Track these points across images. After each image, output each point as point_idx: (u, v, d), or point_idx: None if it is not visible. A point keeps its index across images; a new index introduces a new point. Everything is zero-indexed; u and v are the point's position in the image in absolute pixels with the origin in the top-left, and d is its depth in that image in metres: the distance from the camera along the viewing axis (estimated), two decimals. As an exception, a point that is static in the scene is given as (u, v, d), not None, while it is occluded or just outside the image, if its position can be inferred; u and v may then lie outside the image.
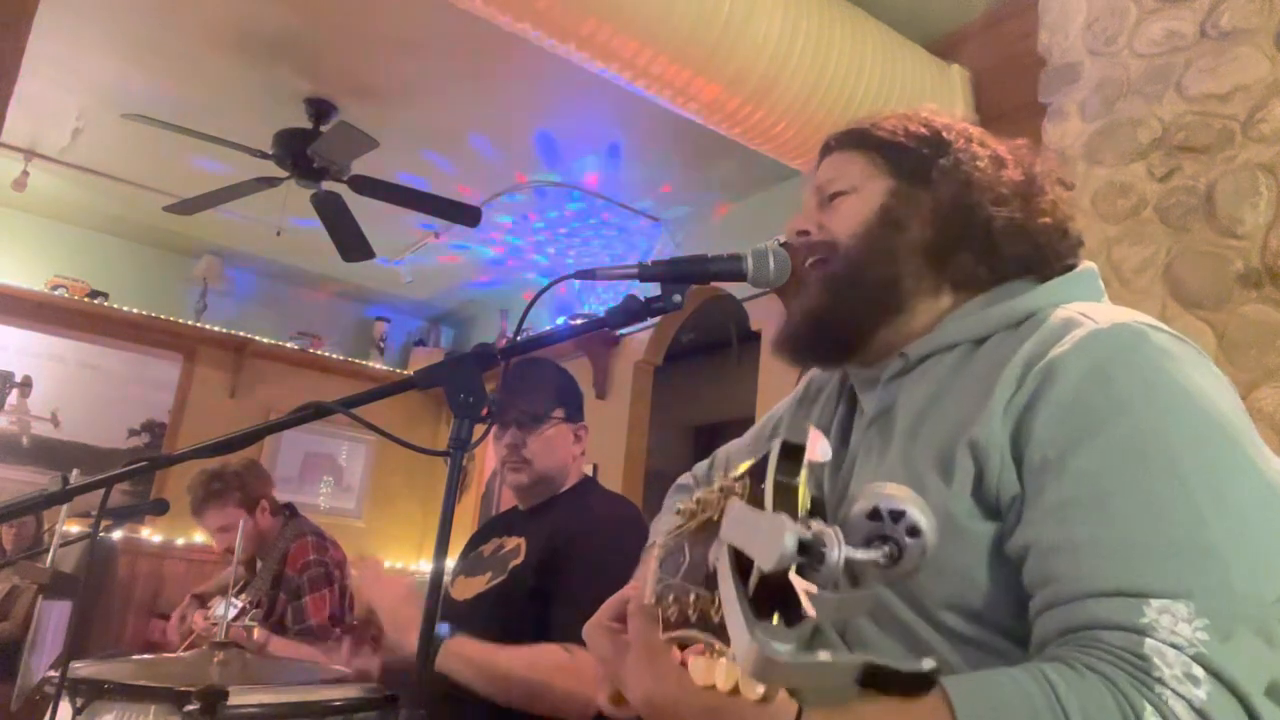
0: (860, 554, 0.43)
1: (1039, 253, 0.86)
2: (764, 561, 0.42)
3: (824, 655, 0.41)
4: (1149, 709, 0.59)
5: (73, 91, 3.55)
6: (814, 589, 0.42)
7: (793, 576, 0.42)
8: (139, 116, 3.18)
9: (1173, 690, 0.59)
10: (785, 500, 0.48)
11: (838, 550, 0.42)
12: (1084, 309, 0.78)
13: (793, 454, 0.50)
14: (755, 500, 0.50)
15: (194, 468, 2.68)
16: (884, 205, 0.88)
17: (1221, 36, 2.11)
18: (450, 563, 1.78)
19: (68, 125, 3.82)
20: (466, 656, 1.43)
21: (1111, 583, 0.64)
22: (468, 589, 1.66)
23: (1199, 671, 0.59)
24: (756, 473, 0.51)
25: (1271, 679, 0.63)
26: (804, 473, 0.49)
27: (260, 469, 2.76)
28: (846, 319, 0.87)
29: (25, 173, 4.11)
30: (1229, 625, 0.61)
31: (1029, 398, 0.73)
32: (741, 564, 0.46)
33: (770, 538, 0.42)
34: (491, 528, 1.84)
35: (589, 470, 1.86)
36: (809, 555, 0.41)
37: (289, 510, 2.75)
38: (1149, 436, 0.68)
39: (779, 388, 1.07)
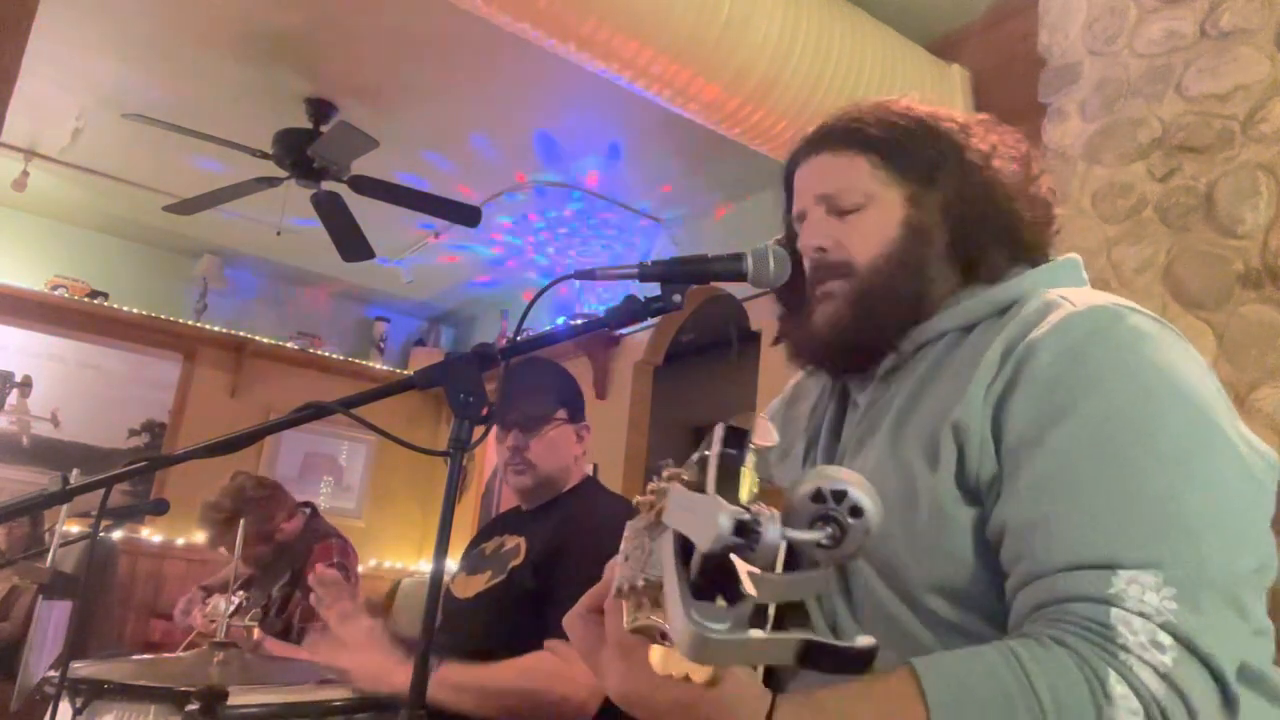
0: (800, 534, 0.43)
1: (1039, 243, 0.87)
2: (701, 543, 0.42)
3: (757, 633, 0.41)
4: (1113, 676, 0.59)
5: (73, 91, 3.55)
6: (755, 570, 0.42)
7: (734, 558, 0.42)
8: (139, 116, 3.18)
9: (1138, 657, 0.60)
10: (727, 483, 0.48)
11: (774, 530, 0.42)
12: (1064, 292, 0.79)
13: (736, 439, 0.50)
14: (698, 485, 0.50)
15: (195, 468, 2.66)
16: (906, 218, 0.87)
17: (1221, 36, 2.11)
18: (452, 564, 1.78)
19: (68, 125, 3.82)
20: (455, 683, 1.42)
21: (1082, 556, 0.65)
22: (468, 587, 1.66)
23: (1164, 638, 0.60)
24: (701, 459, 0.52)
25: (1243, 660, 0.63)
26: (750, 457, 0.49)
27: (274, 500, 2.63)
28: (877, 333, 0.87)
29: (25, 173, 4.11)
30: (1197, 594, 0.62)
31: (1008, 380, 0.74)
32: (685, 548, 0.47)
33: (706, 519, 0.42)
34: (494, 526, 1.85)
35: (589, 470, 1.86)
36: (747, 536, 0.41)
37: (309, 508, 2.75)
38: (1122, 414, 0.69)
39: (779, 388, 1.07)
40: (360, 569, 5.05)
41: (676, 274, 0.91)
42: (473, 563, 1.73)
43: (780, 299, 0.98)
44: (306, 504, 2.76)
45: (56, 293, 4.67)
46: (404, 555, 5.61)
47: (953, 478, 0.74)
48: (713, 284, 1.12)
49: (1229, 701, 0.61)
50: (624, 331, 4.42)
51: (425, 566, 5.53)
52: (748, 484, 0.48)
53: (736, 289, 3.67)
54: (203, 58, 3.25)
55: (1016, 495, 0.70)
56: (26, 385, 4.63)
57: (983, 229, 0.86)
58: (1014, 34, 2.66)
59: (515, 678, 1.43)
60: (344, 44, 3.12)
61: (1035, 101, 2.49)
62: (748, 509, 0.42)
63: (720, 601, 0.44)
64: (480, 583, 1.64)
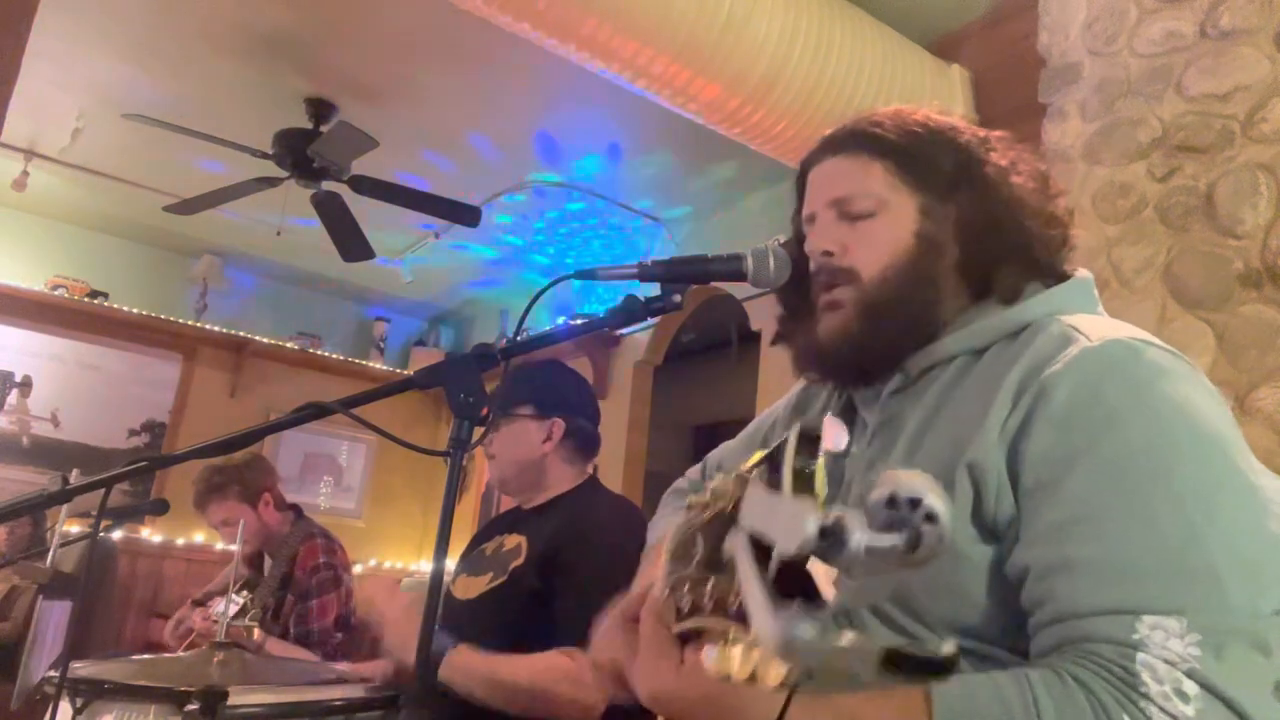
0: (880, 540, 0.43)
1: (1052, 262, 0.86)
2: (785, 546, 0.42)
3: (848, 638, 0.42)
4: None
5: (73, 91, 3.55)
6: (834, 574, 0.42)
7: (812, 562, 0.42)
8: (139, 116, 3.18)
9: (1159, 706, 0.59)
10: (803, 486, 0.48)
11: (860, 535, 0.42)
12: (1079, 323, 0.78)
13: (810, 442, 0.51)
14: (773, 487, 0.50)
15: (194, 468, 2.68)
16: (919, 229, 0.85)
17: (1221, 36, 2.11)
18: (452, 563, 1.78)
19: (68, 125, 3.82)
20: (468, 668, 1.43)
21: (1106, 601, 0.64)
22: (469, 588, 1.66)
23: (1190, 688, 0.59)
24: (774, 460, 0.52)
25: (1276, 679, 0.63)
26: (821, 460, 0.49)
27: (263, 462, 2.76)
28: (885, 346, 0.85)
29: (25, 173, 4.11)
30: (1222, 640, 0.61)
31: (1023, 419, 0.73)
32: (760, 549, 0.47)
33: (792, 522, 0.42)
34: (495, 525, 1.85)
35: (589, 470, 1.86)
36: (829, 540, 0.42)
37: (296, 510, 2.75)
38: (1141, 454, 0.68)
39: (778, 388, 1.07)
40: (357, 568, 5.06)
41: (676, 274, 0.91)
42: (473, 564, 1.73)
43: (782, 301, 0.97)
44: (293, 506, 2.76)
45: (56, 293, 4.67)
46: (404, 555, 5.61)
47: (968, 517, 0.73)
48: (713, 284, 1.12)
49: None
50: (624, 331, 4.42)
51: (425, 566, 5.53)
52: (819, 487, 0.48)
53: (736, 289, 3.67)
54: (203, 58, 3.25)
55: (1036, 538, 0.69)
56: (26, 385, 4.63)
57: (996, 246, 0.84)
58: (1014, 34, 2.66)
59: (527, 675, 1.43)
60: (344, 44, 3.12)
61: (1035, 101, 2.49)
62: (829, 513, 0.42)
63: (797, 605, 0.44)
64: (481, 584, 1.64)
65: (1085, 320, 0.79)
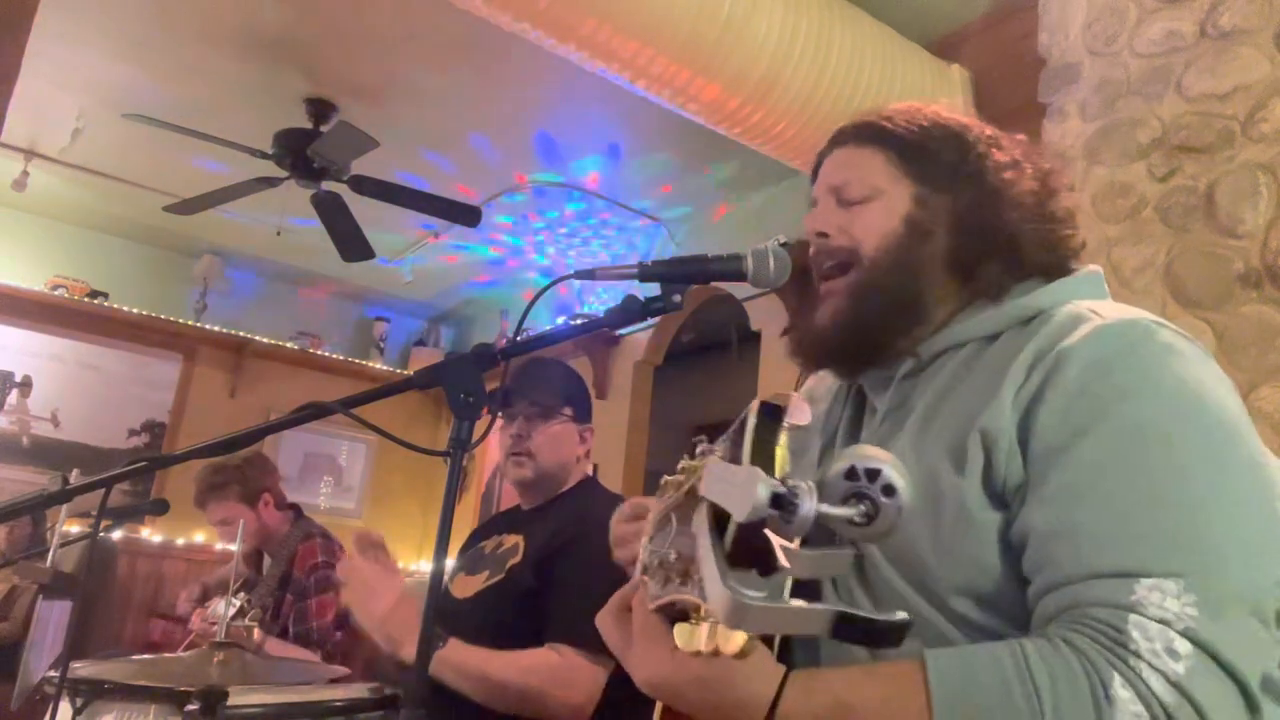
0: (834, 510, 0.43)
1: (1056, 259, 0.87)
2: (738, 512, 0.42)
3: (797, 602, 0.42)
4: (1118, 679, 0.60)
5: (73, 91, 3.55)
6: (790, 545, 0.42)
7: (768, 532, 0.42)
8: (139, 116, 3.18)
9: (1149, 664, 0.60)
10: (762, 458, 0.48)
11: (810, 503, 0.42)
12: (1092, 305, 0.79)
13: (772, 415, 0.51)
14: (734, 459, 0.50)
15: (194, 468, 2.67)
16: (909, 215, 0.87)
17: (1221, 36, 2.11)
18: (451, 561, 1.78)
19: (68, 125, 3.82)
20: (459, 664, 1.43)
21: (1104, 565, 0.65)
22: (467, 587, 1.66)
23: (1182, 646, 0.60)
24: (736, 434, 0.52)
25: (1267, 671, 0.63)
26: (783, 435, 0.49)
27: (264, 462, 2.76)
28: (872, 329, 0.87)
29: (25, 173, 4.11)
30: (1219, 603, 0.62)
31: (1036, 388, 0.74)
32: (719, 519, 0.47)
33: (744, 489, 0.42)
34: (493, 524, 1.85)
35: (589, 470, 1.86)
36: (782, 507, 0.41)
37: (296, 510, 2.75)
38: (1150, 427, 0.69)
39: (779, 388, 1.07)
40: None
41: (676, 274, 0.91)
42: (471, 562, 1.73)
43: (790, 297, 0.97)
44: (293, 506, 2.76)
45: (56, 293, 4.67)
46: (404, 555, 5.61)
47: (979, 482, 0.74)
48: (713, 284, 1.12)
49: (1253, 709, 0.61)
50: (624, 331, 4.42)
51: (425, 566, 5.53)
52: (780, 460, 0.48)
53: (736, 289, 3.67)
54: (202, 58, 3.25)
55: (1041, 503, 0.70)
56: (26, 385, 4.62)
57: (985, 240, 0.85)
58: (1014, 34, 2.66)
59: (517, 674, 1.43)
60: (344, 44, 3.12)
61: (1035, 101, 2.49)
62: (783, 482, 0.42)
63: (754, 573, 0.44)
64: (479, 582, 1.64)
65: (1099, 304, 0.80)
